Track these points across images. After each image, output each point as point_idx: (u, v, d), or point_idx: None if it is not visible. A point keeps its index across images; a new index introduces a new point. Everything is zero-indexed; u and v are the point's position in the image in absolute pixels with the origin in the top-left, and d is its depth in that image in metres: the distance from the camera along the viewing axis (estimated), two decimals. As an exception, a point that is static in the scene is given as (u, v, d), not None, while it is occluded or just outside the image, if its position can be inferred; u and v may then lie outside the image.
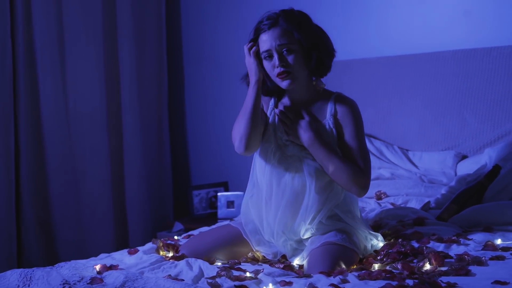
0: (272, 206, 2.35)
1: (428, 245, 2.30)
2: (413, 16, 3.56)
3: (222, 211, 4.00)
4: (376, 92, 3.59)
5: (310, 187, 2.28)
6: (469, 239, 2.37)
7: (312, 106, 2.37)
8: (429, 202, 2.85)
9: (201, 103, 4.54)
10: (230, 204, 4.01)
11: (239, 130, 2.32)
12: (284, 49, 2.25)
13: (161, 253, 2.44)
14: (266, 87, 2.38)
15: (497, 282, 1.83)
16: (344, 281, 1.96)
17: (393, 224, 2.64)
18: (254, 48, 2.32)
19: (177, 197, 4.60)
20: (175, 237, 2.72)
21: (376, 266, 2.14)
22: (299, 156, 2.32)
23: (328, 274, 2.04)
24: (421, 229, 2.51)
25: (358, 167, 2.25)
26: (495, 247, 2.24)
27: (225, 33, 4.36)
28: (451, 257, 2.15)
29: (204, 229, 2.87)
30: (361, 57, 3.69)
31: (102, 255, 2.48)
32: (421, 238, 2.39)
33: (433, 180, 3.14)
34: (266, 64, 2.31)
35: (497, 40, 3.24)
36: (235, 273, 2.11)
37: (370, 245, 2.35)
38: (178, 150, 4.66)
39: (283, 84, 2.28)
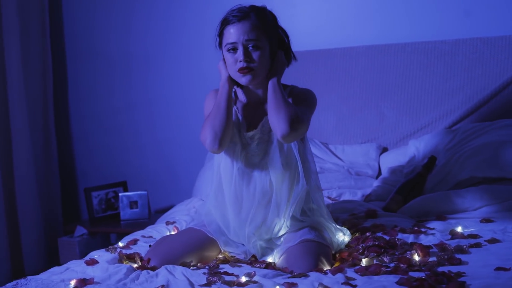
0: (243, 208, 2.29)
1: (398, 237, 2.34)
2: (324, 11, 3.60)
3: (125, 212, 3.81)
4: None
5: (277, 182, 2.24)
6: (431, 229, 2.44)
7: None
8: (370, 194, 2.91)
9: (90, 100, 4.28)
10: (133, 204, 3.81)
11: (212, 127, 2.21)
12: (251, 45, 2.19)
13: (125, 262, 2.26)
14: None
15: (499, 268, 1.89)
16: (349, 278, 1.94)
17: (345, 217, 2.66)
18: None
19: (71, 200, 4.30)
20: (120, 244, 2.53)
21: (364, 261, 2.13)
22: (262, 155, 2.28)
23: (319, 271, 2.03)
24: (377, 222, 2.55)
25: (299, 112, 2.18)
26: (462, 235, 2.32)
27: (116, 27, 4.13)
28: (431, 247, 2.20)
29: (140, 233, 2.71)
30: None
31: (58, 268, 2.25)
32: (384, 230, 2.43)
33: (359, 172, 3.21)
34: (228, 57, 2.23)
35: (411, 36, 3.37)
36: (227, 278, 2.01)
37: (336, 240, 2.35)
38: (67, 151, 4.36)
39: (243, 79, 2.22)
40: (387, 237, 2.33)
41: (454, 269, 1.95)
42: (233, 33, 2.20)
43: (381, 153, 3.29)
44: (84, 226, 3.77)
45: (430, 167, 2.84)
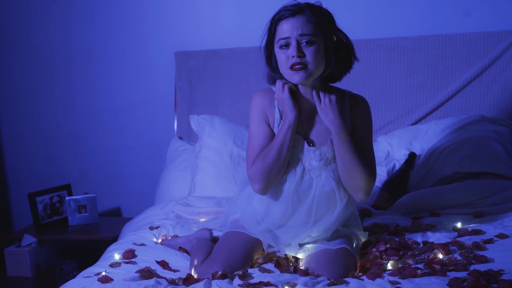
0: (291, 221, 2.21)
1: (406, 237, 2.36)
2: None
3: (73, 217, 3.59)
4: (249, 83, 3.53)
5: (334, 201, 2.17)
6: (433, 226, 2.49)
7: None
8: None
9: (23, 98, 3.98)
10: (81, 208, 3.60)
11: (268, 175, 2.13)
12: (304, 40, 2.06)
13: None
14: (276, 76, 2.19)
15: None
16: (394, 282, 1.94)
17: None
18: (288, 85, 2.11)
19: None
20: (117, 256, 2.37)
21: (390, 265, 2.13)
22: (318, 170, 2.17)
23: (354, 276, 2.03)
24: (376, 221, 2.57)
25: (371, 170, 2.16)
26: (467, 231, 2.38)
27: (54, 20, 3.86)
28: (447, 245, 2.24)
29: (126, 241, 2.56)
30: (228, 46, 3.58)
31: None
32: (388, 231, 2.45)
33: (331, 169, 3.21)
34: (280, 53, 2.10)
35: (373, 32, 3.40)
36: (266, 290, 1.95)
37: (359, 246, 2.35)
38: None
39: (296, 77, 2.08)
40: (396, 238, 2.35)
41: (484, 267, 2.00)
42: (286, 28, 2.07)
43: (349, 149, 3.31)
44: (30, 233, 3.51)
45: (411, 163, 2.90)
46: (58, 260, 3.60)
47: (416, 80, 3.30)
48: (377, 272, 2.03)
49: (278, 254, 2.25)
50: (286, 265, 2.16)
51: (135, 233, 2.70)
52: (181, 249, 2.43)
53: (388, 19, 3.42)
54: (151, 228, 2.70)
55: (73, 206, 3.59)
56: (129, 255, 2.36)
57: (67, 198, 3.60)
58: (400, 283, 1.93)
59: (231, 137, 3.20)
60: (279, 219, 2.21)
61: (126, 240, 2.59)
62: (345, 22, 3.40)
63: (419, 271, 2.00)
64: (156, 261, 2.27)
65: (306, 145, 2.17)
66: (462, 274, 1.94)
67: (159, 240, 2.58)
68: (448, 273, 1.98)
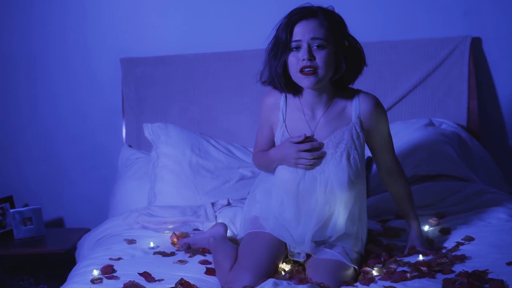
0: (301, 226, 2.22)
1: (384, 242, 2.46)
2: (235, 13, 3.57)
3: (19, 230, 3.47)
4: (199, 90, 3.52)
5: (340, 201, 2.19)
6: (403, 229, 2.58)
7: (333, 109, 2.23)
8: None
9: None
10: (26, 221, 3.48)
11: (263, 169, 2.41)
12: (316, 44, 2.08)
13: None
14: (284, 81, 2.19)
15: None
16: (389, 287, 2.01)
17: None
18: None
19: None
20: (95, 272, 2.31)
21: (375, 272, 2.18)
22: (320, 166, 2.18)
23: (348, 284, 2.11)
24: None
25: (403, 176, 2.42)
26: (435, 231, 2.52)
27: None
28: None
29: (100, 255, 2.51)
30: (176, 53, 3.56)
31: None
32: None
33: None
34: (292, 56, 2.11)
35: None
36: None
37: None
38: None
39: (306, 81, 2.10)
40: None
41: (467, 266, 2.10)
42: (298, 31, 2.08)
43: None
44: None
45: (369, 166, 3.01)
46: (5, 275, 3.46)
47: (364, 86, 3.37)
48: (370, 277, 2.10)
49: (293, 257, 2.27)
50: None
51: (108, 246, 2.62)
52: (204, 249, 2.47)
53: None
54: (130, 242, 2.64)
55: (18, 219, 3.46)
56: (108, 270, 2.31)
57: (11, 210, 3.46)
58: (395, 287, 2.01)
59: (188, 145, 3.18)
60: (289, 217, 2.22)
61: (98, 255, 2.52)
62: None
63: (408, 274, 2.08)
64: (138, 273, 2.22)
65: None
66: (450, 276, 2.04)
67: (175, 240, 2.58)
68: (436, 275, 2.06)
